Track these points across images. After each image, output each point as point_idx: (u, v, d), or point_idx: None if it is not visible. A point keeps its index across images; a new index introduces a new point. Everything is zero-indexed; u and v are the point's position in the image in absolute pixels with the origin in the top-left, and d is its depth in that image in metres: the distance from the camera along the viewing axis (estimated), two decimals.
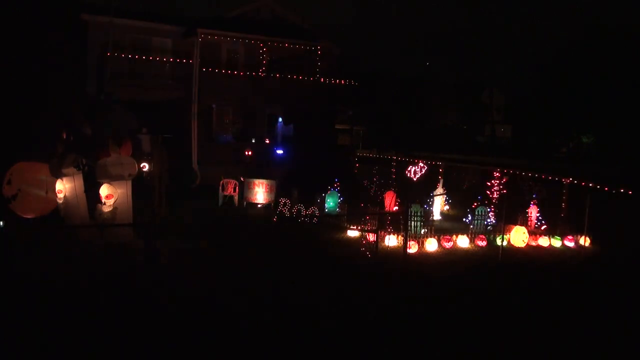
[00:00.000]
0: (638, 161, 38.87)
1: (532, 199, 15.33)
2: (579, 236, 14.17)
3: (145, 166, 17.49)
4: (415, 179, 19.06)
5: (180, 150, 22.41)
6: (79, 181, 11.20)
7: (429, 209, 15.75)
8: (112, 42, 20.52)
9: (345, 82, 25.12)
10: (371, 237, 12.73)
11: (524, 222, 14.73)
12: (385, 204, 16.00)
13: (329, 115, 26.58)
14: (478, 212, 14.26)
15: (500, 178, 16.06)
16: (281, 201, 16.08)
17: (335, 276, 10.55)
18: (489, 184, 16.36)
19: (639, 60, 44.23)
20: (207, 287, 9.48)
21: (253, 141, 23.63)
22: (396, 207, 15.92)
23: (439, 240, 13.30)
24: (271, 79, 23.32)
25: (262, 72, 23.17)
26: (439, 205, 17.36)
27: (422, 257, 12.41)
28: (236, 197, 18.16)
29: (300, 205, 15.83)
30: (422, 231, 13.41)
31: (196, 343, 7.22)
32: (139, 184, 12.76)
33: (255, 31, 23.23)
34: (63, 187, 11.27)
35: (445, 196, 18.38)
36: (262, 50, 23.23)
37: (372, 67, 51.46)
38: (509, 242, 13.72)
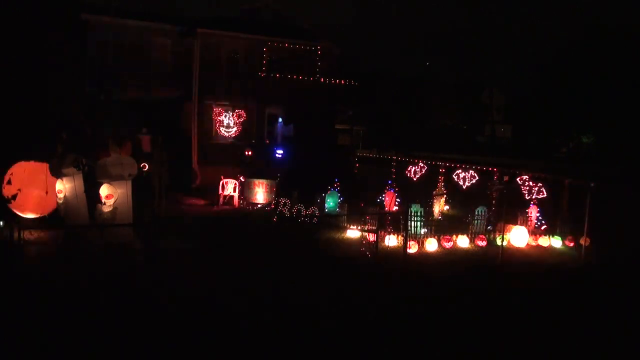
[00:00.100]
0: (638, 161, 38.88)
1: (532, 199, 15.32)
2: (578, 236, 14.16)
3: (145, 166, 17.49)
4: (415, 179, 19.05)
5: (180, 150, 22.41)
6: (79, 181, 11.20)
7: (429, 209, 15.74)
8: (112, 41, 20.50)
9: (345, 82, 25.10)
10: (371, 237, 12.73)
11: (524, 222, 14.73)
12: (385, 204, 15.99)
13: (329, 115, 26.54)
14: (478, 212, 14.25)
15: (500, 178, 16.04)
16: (281, 201, 16.09)
17: (335, 276, 10.55)
18: (489, 183, 16.35)
19: (639, 60, 44.23)
20: (207, 287, 9.48)
21: (253, 141, 23.61)
22: (396, 207, 15.91)
23: (439, 240, 13.30)
24: (271, 79, 23.30)
25: (262, 72, 23.15)
26: (439, 205, 17.36)
27: (422, 257, 12.41)
28: (236, 197, 18.16)
29: (300, 205, 15.83)
30: (422, 231, 13.41)
31: (196, 343, 7.22)
32: (139, 184, 12.76)
33: (255, 31, 23.21)
34: (63, 187, 11.28)
35: (445, 196, 18.37)
36: (262, 50, 23.21)
37: (372, 67, 51.53)
38: (509, 242, 13.72)
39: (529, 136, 55.97)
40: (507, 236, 13.65)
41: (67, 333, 7.24)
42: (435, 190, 17.82)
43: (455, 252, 13.04)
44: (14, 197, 11.79)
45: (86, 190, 11.26)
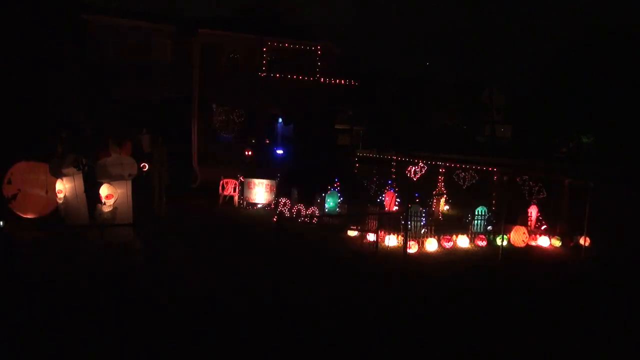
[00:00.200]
0: (638, 161, 38.89)
1: (532, 199, 15.33)
2: (578, 236, 14.16)
3: (145, 166, 17.49)
4: (415, 179, 19.05)
5: (180, 150, 22.41)
6: (79, 181, 11.20)
7: (429, 209, 15.75)
8: (112, 42, 20.51)
9: (345, 82, 25.12)
10: (371, 237, 12.73)
11: (524, 222, 14.73)
12: (385, 204, 15.99)
13: (329, 115, 26.55)
14: (478, 212, 14.26)
15: (500, 178, 16.05)
16: (281, 201, 16.09)
17: (335, 276, 10.55)
18: (489, 183, 16.36)
19: (639, 60, 44.24)
20: (206, 287, 9.48)
21: (253, 141, 23.63)
22: (396, 207, 15.91)
23: (439, 240, 13.30)
24: (271, 79, 23.32)
25: (262, 72, 23.17)
26: (439, 205, 17.36)
27: (422, 257, 12.41)
28: (236, 197, 18.17)
29: (300, 205, 15.84)
30: (422, 231, 13.41)
31: (196, 343, 7.22)
32: (139, 184, 12.76)
33: (255, 31, 23.24)
34: (63, 187, 11.28)
35: (445, 196, 18.38)
36: (262, 50, 23.23)
37: (372, 67, 51.57)
38: (509, 242, 13.72)
39: (529, 136, 56.01)
40: (507, 236, 13.65)
41: (67, 333, 7.24)
42: (435, 190, 17.82)
43: (455, 252, 13.04)
44: (14, 197, 11.79)
45: (86, 190, 11.26)
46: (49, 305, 8.15)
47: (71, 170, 11.04)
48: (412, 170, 19.13)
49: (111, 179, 11.01)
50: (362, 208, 15.76)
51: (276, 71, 23.71)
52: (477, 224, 14.13)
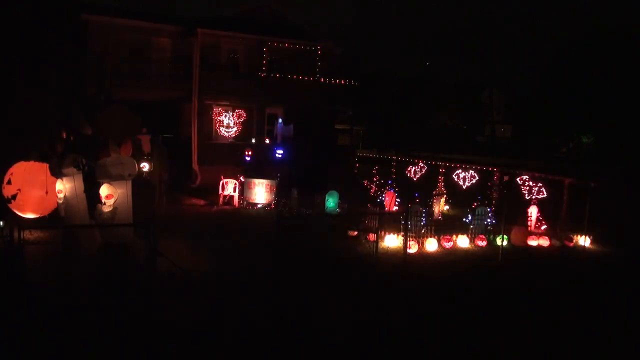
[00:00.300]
0: (638, 161, 38.87)
1: (532, 199, 15.33)
2: (579, 236, 14.17)
3: (145, 166, 17.49)
4: (415, 179, 19.06)
5: (180, 150, 22.41)
6: (79, 181, 11.19)
7: (429, 209, 15.74)
8: (112, 42, 20.50)
9: (345, 82, 25.11)
10: (371, 237, 12.73)
11: (524, 222, 14.73)
12: (385, 204, 16.00)
13: (329, 115, 26.55)
14: (478, 212, 14.26)
15: (500, 178, 16.06)
16: (281, 201, 16.09)
17: (335, 276, 10.55)
18: (489, 184, 16.37)
19: (639, 60, 44.22)
20: (206, 286, 9.48)
21: (253, 141, 23.63)
22: (396, 207, 15.92)
23: (439, 240, 13.30)
24: (271, 79, 23.31)
25: (262, 72, 23.16)
26: (439, 205, 17.36)
27: (422, 257, 12.41)
28: (236, 197, 18.17)
29: (300, 205, 15.84)
30: (422, 231, 13.41)
31: (196, 343, 7.22)
32: (139, 183, 12.75)
33: (255, 31, 23.21)
34: (63, 187, 11.27)
35: (445, 196, 18.38)
36: (262, 50, 23.22)
37: (372, 67, 51.45)
38: (509, 242, 13.72)
39: (529, 136, 55.95)
40: (507, 236, 13.65)
41: (67, 333, 7.24)
42: (435, 190, 17.82)
43: (455, 252, 13.04)
44: (14, 197, 11.78)
45: (86, 190, 11.25)
46: (49, 305, 8.16)
47: (71, 170, 11.03)
48: (412, 170, 19.13)
49: (111, 179, 11.00)
50: (362, 208, 15.76)
51: (276, 71, 23.70)
52: (477, 224, 14.13)
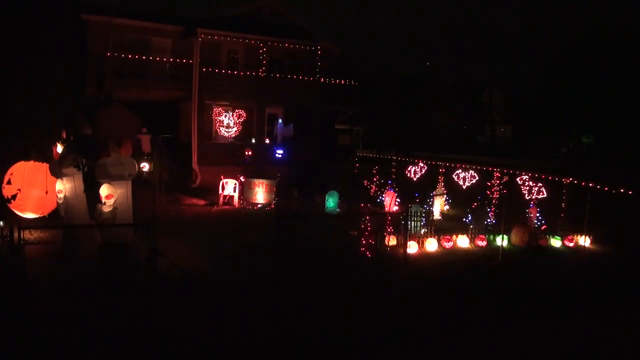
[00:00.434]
0: (638, 161, 38.90)
1: (532, 198, 15.32)
2: (579, 236, 14.17)
3: (145, 166, 17.50)
4: (415, 179, 19.05)
5: (180, 150, 22.42)
6: (79, 181, 11.19)
7: (429, 209, 15.75)
8: (112, 42, 20.50)
9: (345, 82, 25.11)
10: (371, 237, 12.71)
11: (524, 222, 14.71)
12: (385, 204, 16.00)
13: (329, 115, 26.56)
14: (478, 212, 14.24)
15: (500, 178, 16.04)
16: (281, 201, 16.10)
17: (335, 276, 10.55)
18: (489, 184, 16.36)
19: (639, 60, 44.24)
20: (206, 287, 9.49)
21: (253, 141, 23.63)
22: (396, 207, 15.92)
23: (439, 240, 13.30)
24: (271, 79, 23.32)
25: (262, 72, 23.17)
26: (439, 205, 17.35)
27: (422, 257, 12.41)
28: (236, 197, 18.17)
29: (300, 205, 15.84)
30: (422, 231, 13.41)
31: (196, 343, 7.23)
32: (139, 183, 12.76)
33: (255, 31, 23.21)
34: (63, 187, 11.27)
35: (445, 196, 18.37)
36: (262, 50, 23.23)
37: (372, 67, 51.46)
38: (509, 242, 13.72)
39: (529, 136, 56.00)
40: (507, 236, 13.65)
41: (67, 333, 7.24)
42: (435, 190, 17.82)
43: (455, 252, 13.04)
44: (14, 197, 11.78)
45: (86, 190, 11.25)
46: (49, 305, 8.16)
47: (71, 170, 11.03)
48: (412, 170, 19.13)
49: (111, 179, 11.00)
50: (362, 208, 15.76)
51: (276, 71, 23.71)
52: (477, 224, 14.11)
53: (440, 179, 18.73)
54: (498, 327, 8.43)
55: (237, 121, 23.41)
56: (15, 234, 8.87)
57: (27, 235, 10.72)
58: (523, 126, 58.30)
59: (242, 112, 23.50)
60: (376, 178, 19.92)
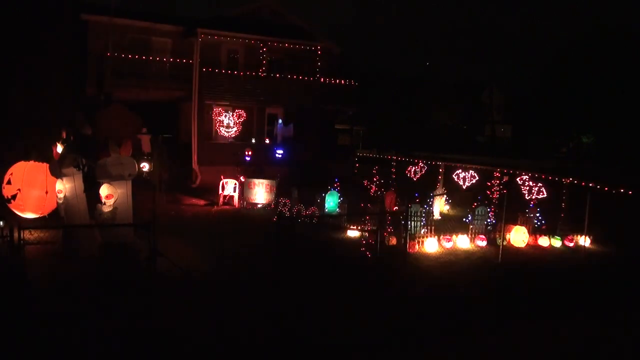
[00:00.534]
0: (638, 161, 38.89)
1: (532, 198, 15.31)
2: (579, 236, 14.16)
3: (145, 166, 17.49)
4: (415, 179, 19.05)
5: (180, 150, 22.40)
6: (79, 181, 11.19)
7: (429, 209, 15.75)
8: (112, 42, 20.49)
9: (345, 82, 25.12)
10: (371, 237, 12.72)
11: (524, 222, 14.72)
12: (386, 204, 15.98)
13: (329, 115, 26.56)
14: (478, 212, 14.25)
15: (500, 178, 16.04)
16: (281, 201, 16.09)
17: (335, 276, 10.55)
18: (489, 184, 16.36)
19: (639, 60, 44.23)
20: (206, 287, 9.49)
21: (253, 141, 23.64)
22: (396, 207, 15.90)
23: (439, 240, 13.30)
24: (271, 79, 23.32)
25: (262, 72, 23.17)
26: (438, 205, 17.35)
27: (422, 257, 12.41)
28: (236, 197, 18.16)
29: (300, 205, 15.83)
30: (422, 231, 13.41)
31: (196, 343, 7.22)
32: (139, 183, 12.75)
33: (255, 31, 23.21)
34: (63, 187, 11.27)
35: (445, 196, 18.37)
36: (262, 50, 23.23)
37: (372, 67, 51.41)
38: (509, 242, 13.72)
39: (529, 136, 55.96)
40: (507, 236, 13.65)
41: (67, 333, 7.24)
42: (435, 190, 17.82)
43: (455, 252, 13.04)
44: (14, 197, 11.78)
45: (86, 190, 11.25)
46: (49, 305, 8.16)
47: (71, 170, 11.02)
48: (412, 170, 19.13)
49: (111, 179, 11.00)
50: (362, 208, 15.76)
51: (276, 71, 23.71)
52: (477, 224, 14.11)
53: (440, 179, 18.72)
54: (498, 327, 8.43)
55: (237, 121, 23.41)
56: (15, 234, 8.87)
57: (27, 235, 10.71)
58: (523, 126, 58.25)
59: (242, 112, 23.50)
60: (376, 178, 19.91)
